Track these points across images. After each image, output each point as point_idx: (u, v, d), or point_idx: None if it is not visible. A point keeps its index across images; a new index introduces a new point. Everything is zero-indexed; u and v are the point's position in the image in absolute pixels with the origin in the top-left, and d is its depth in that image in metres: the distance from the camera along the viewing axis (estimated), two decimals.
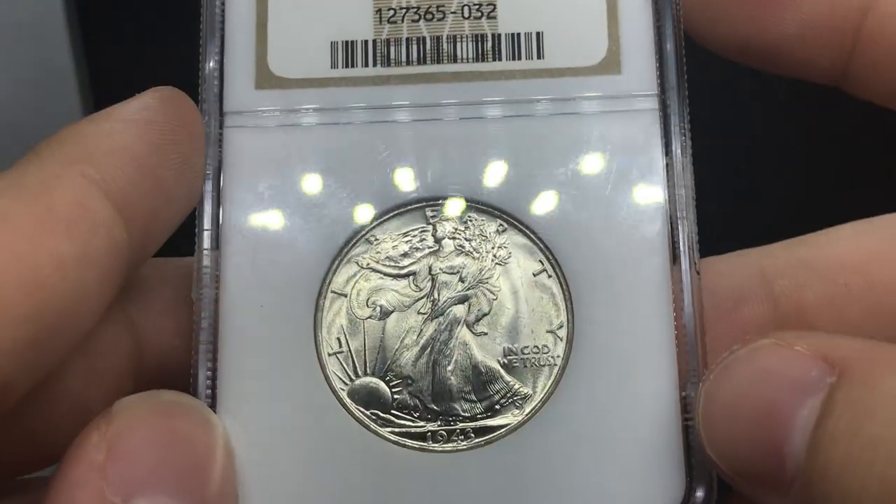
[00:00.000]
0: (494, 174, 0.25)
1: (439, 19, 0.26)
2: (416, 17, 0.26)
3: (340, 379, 0.24)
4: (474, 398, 0.24)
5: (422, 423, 0.24)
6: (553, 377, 0.24)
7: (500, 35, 0.26)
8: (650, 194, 0.25)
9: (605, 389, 0.24)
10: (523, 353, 0.25)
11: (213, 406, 0.24)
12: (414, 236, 0.25)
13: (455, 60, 0.26)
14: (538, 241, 0.25)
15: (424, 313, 0.25)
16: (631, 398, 0.24)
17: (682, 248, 0.25)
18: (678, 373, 0.24)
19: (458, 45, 0.26)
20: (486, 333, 0.25)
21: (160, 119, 0.23)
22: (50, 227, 0.21)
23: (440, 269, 0.25)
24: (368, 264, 0.25)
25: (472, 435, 0.24)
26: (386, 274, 0.25)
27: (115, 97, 0.23)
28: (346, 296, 0.25)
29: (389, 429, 0.24)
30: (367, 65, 0.26)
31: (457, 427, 0.24)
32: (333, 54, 0.26)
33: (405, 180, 0.25)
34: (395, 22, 0.26)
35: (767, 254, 0.27)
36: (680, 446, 0.24)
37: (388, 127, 0.25)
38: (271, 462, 0.24)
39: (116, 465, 0.21)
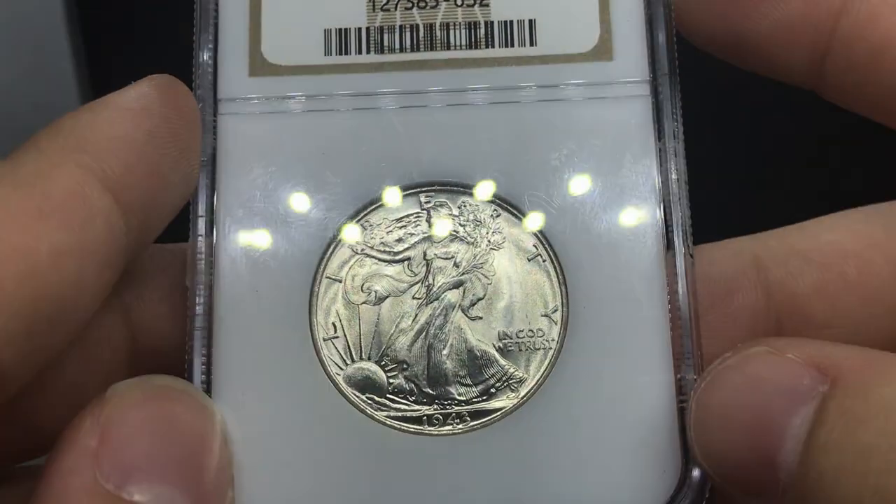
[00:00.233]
0: (488, 160, 0.25)
1: (432, 7, 0.26)
2: (410, 4, 0.26)
3: (336, 364, 0.25)
4: (469, 382, 0.25)
5: (417, 408, 0.24)
6: (548, 361, 0.25)
7: (492, 22, 0.26)
8: (643, 179, 0.25)
9: (599, 372, 0.24)
10: (518, 337, 0.25)
11: (207, 392, 0.24)
12: (409, 222, 0.25)
13: (448, 48, 0.26)
14: (532, 226, 0.25)
15: (419, 298, 0.25)
16: (626, 381, 0.24)
17: (675, 231, 0.25)
18: (672, 354, 0.24)
19: (451, 32, 0.26)
20: (480, 318, 0.25)
21: (156, 107, 0.23)
22: (47, 216, 0.20)
23: (435, 254, 0.25)
24: (363, 250, 0.25)
25: (468, 418, 0.24)
26: (381, 259, 0.25)
27: (112, 86, 0.23)
28: (340, 281, 0.25)
29: (385, 413, 0.24)
30: (360, 52, 0.26)
31: (452, 411, 0.24)
32: (327, 42, 0.26)
33: (400, 166, 0.25)
34: (388, 9, 0.26)
35: (761, 241, 0.27)
36: (675, 427, 0.24)
37: (382, 113, 0.26)
38: (267, 447, 0.24)
39: (109, 451, 0.20)
